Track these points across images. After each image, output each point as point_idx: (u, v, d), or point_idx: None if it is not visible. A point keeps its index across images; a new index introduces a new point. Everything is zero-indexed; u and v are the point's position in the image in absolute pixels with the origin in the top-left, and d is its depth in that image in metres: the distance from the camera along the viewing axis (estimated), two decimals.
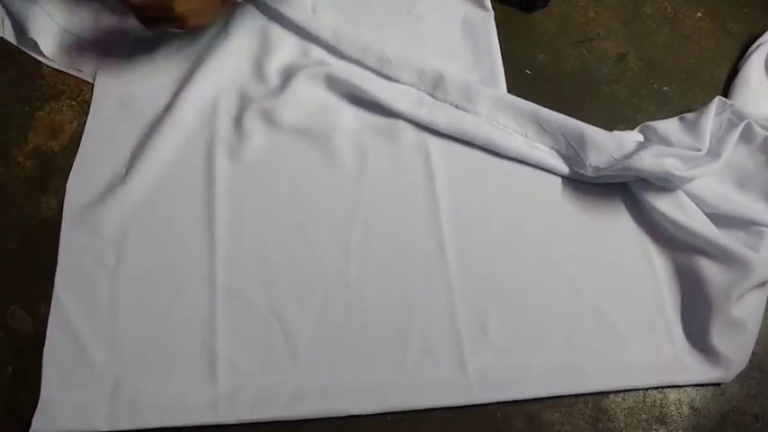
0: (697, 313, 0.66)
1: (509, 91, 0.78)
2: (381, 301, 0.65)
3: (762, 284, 0.66)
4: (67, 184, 0.69)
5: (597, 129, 0.73)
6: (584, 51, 0.84)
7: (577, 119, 0.73)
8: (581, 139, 0.72)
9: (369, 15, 0.82)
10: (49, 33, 0.76)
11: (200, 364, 0.61)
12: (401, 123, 0.74)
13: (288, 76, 0.75)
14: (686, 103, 0.80)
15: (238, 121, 0.73)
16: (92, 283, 0.64)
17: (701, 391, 0.65)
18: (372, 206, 0.70)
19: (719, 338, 0.64)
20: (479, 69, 0.80)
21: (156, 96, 0.74)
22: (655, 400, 0.64)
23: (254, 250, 0.67)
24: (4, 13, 0.77)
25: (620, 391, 0.64)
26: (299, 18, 0.78)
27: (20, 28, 0.76)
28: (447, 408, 0.61)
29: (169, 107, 0.73)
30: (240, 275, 0.65)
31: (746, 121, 0.72)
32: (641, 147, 0.70)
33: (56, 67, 0.76)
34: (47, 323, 0.62)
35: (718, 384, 0.65)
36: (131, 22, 0.78)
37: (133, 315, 0.63)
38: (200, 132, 0.72)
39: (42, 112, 0.74)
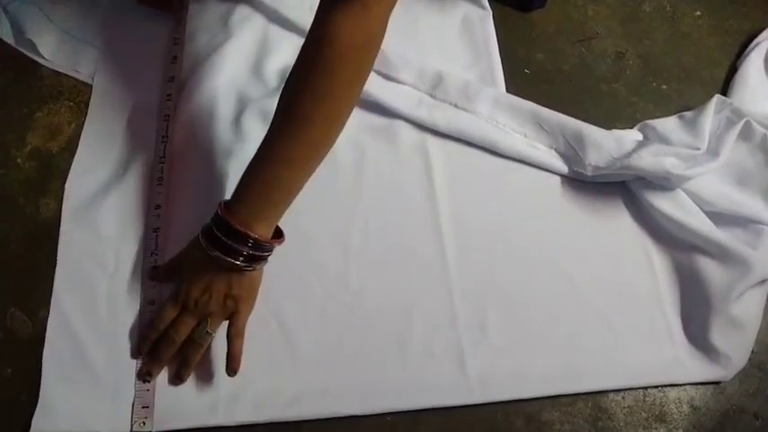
0: (696, 312, 0.66)
1: (508, 90, 0.78)
2: (381, 302, 0.65)
3: (761, 283, 0.66)
4: (66, 186, 0.68)
5: (596, 128, 0.73)
6: (583, 50, 0.84)
7: (576, 118, 0.73)
8: (580, 139, 0.72)
9: None
10: (48, 34, 0.76)
11: (200, 366, 0.61)
12: (400, 123, 0.74)
13: (287, 76, 0.75)
14: (685, 102, 0.80)
15: (237, 122, 0.72)
16: (91, 285, 0.64)
17: (701, 389, 0.65)
18: (372, 207, 0.70)
19: (719, 337, 0.64)
20: (478, 69, 0.80)
21: (155, 97, 0.74)
22: (655, 399, 0.64)
23: None
24: (2, 15, 0.77)
25: (619, 390, 0.64)
26: (298, 18, 0.78)
27: (18, 29, 0.76)
28: (447, 408, 0.61)
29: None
30: None
31: (745, 120, 0.72)
32: (640, 146, 0.70)
33: (54, 68, 0.76)
34: (46, 325, 0.62)
35: (717, 383, 0.65)
36: (130, 22, 0.79)
37: (133, 317, 0.63)
38: (199, 134, 0.72)
39: (41, 114, 0.73)
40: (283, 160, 0.57)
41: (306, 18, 0.78)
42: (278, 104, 0.57)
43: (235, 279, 0.59)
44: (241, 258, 0.57)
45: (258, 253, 0.58)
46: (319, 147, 0.58)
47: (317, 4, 0.54)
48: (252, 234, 0.56)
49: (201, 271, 0.59)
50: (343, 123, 0.58)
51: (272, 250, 0.60)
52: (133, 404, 0.59)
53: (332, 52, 0.53)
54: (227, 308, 0.59)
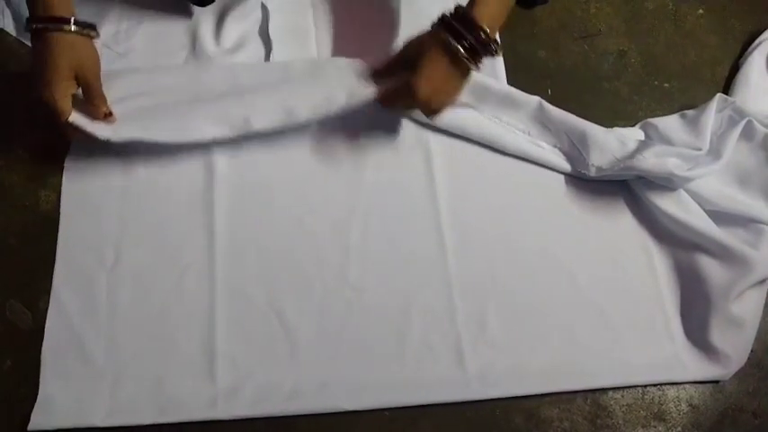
0: (696, 310, 0.67)
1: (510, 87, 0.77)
2: (381, 298, 0.65)
3: (761, 282, 0.66)
4: (64, 179, 0.68)
5: (600, 128, 0.73)
6: (586, 47, 0.84)
7: (578, 115, 0.73)
8: (583, 139, 0.72)
9: (369, 11, 0.81)
10: None
11: (200, 360, 0.61)
12: (402, 119, 0.74)
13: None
14: (687, 100, 0.80)
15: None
16: (90, 279, 0.64)
17: (700, 388, 0.65)
18: (372, 203, 0.70)
19: (718, 336, 0.65)
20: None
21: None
22: (653, 397, 0.64)
23: (254, 246, 0.66)
24: (5, 5, 0.76)
25: (618, 388, 0.64)
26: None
27: (20, 19, 0.76)
28: (446, 404, 0.62)
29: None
30: (240, 271, 0.65)
31: (747, 119, 0.72)
32: (643, 146, 0.70)
33: None
34: (46, 317, 0.62)
35: (716, 382, 0.65)
36: (128, 14, 0.78)
37: (132, 310, 0.63)
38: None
39: None
40: None
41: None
42: None
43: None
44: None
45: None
46: None
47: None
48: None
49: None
50: None
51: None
52: None
53: None
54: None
